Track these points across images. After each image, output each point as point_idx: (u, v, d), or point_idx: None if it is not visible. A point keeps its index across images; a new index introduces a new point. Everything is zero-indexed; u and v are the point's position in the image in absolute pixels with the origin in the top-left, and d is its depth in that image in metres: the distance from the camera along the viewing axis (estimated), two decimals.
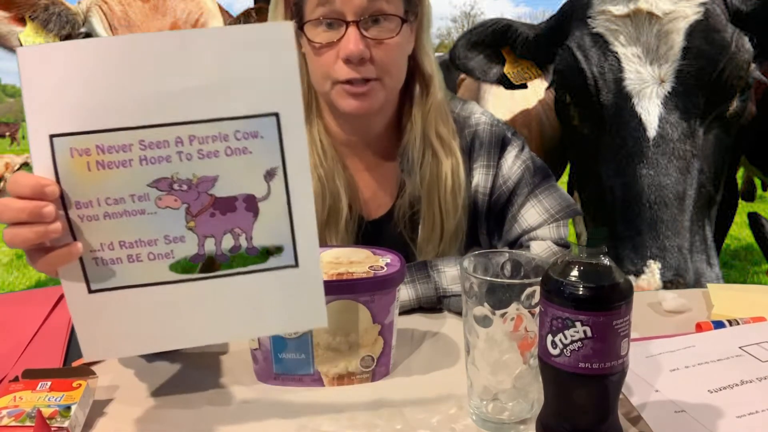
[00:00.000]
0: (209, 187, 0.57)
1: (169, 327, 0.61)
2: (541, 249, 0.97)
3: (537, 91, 1.87)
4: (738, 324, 0.79)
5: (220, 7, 1.59)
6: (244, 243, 0.58)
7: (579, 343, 0.52)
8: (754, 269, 3.79)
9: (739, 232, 4.30)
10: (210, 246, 0.58)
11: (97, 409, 0.67)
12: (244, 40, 0.55)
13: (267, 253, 0.59)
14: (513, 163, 1.02)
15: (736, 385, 0.63)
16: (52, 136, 0.55)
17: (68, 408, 0.62)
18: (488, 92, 1.89)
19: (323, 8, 0.88)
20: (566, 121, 1.40)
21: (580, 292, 0.52)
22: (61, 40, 1.38)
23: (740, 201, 2.63)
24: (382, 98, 0.94)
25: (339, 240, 0.99)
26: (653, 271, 1.10)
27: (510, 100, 1.89)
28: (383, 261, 0.74)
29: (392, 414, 0.65)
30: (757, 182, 3.65)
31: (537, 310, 0.57)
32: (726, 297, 0.91)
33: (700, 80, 1.20)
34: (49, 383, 0.65)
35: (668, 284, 1.09)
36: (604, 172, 1.26)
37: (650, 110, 1.21)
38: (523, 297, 0.58)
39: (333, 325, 0.69)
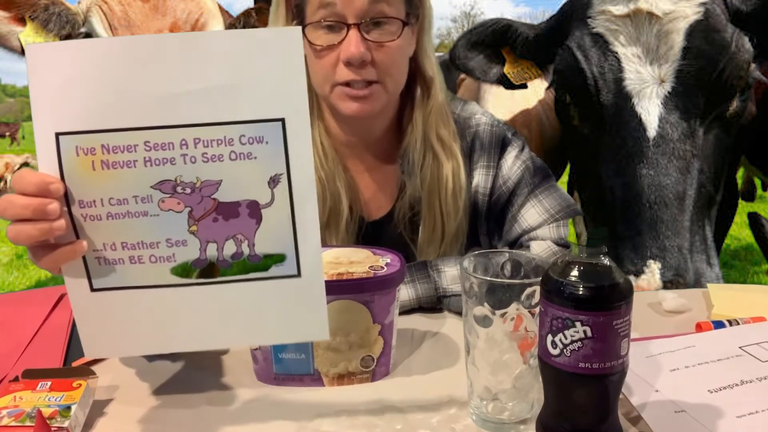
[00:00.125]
0: (213, 192, 0.57)
1: (169, 330, 0.61)
2: (541, 249, 0.97)
3: (537, 91, 1.87)
4: (738, 324, 0.79)
5: (220, 7, 1.59)
6: (246, 250, 0.58)
7: (579, 343, 0.52)
8: (754, 269, 3.79)
9: (739, 232, 4.30)
10: (212, 251, 0.58)
11: (97, 409, 0.67)
12: (252, 44, 0.55)
13: (269, 261, 0.58)
14: (513, 163, 1.02)
15: (736, 385, 0.63)
16: (58, 134, 0.55)
17: (68, 408, 0.62)
18: (488, 92, 1.89)
19: (324, 11, 0.88)
20: (566, 121, 1.41)
21: (580, 292, 0.52)
22: (61, 40, 1.38)
23: (740, 201, 2.63)
24: (382, 101, 0.94)
25: (339, 241, 0.99)
26: (653, 271, 1.10)
27: (510, 100, 1.89)
28: (383, 261, 0.74)
29: (392, 414, 0.65)
30: (757, 182, 3.65)
31: (537, 310, 0.57)
32: (726, 297, 0.91)
33: (700, 80, 1.20)
34: (49, 383, 0.65)
35: (668, 284, 1.09)
36: (604, 172, 1.26)
37: (650, 110, 1.21)
38: (523, 297, 0.58)
39: (333, 325, 0.68)
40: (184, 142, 0.55)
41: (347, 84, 0.90)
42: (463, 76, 2.08)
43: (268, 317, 0.60)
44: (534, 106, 1.95)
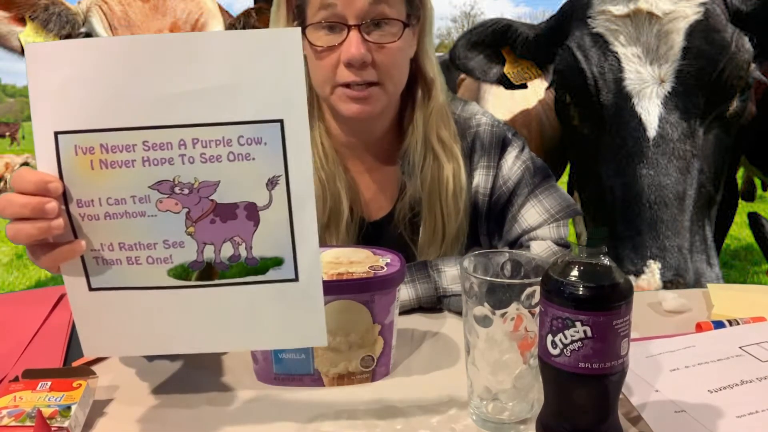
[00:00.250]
0: (210, 193, 0.56)
1: (166, 331, 0.61)
2: (541, 249, 0.97)
3: (537, 91, 1.87)
4: (738, 324, 0.79)
5: (220, 7, 1.59)
6: (243, 253, 0.58)
7: (579, 343, 0.52)
8: (754, 269, 3.79)
9: (739, 232, 4.30)
10: (209, 253, 0.58)
11: (97, 409, 0.67)
12: (251, 45, 0.55)
13: (266, 264, 0.58)
14: (513, 163, 1.02)
15: (736, 385, 0.63)
16: (57, 133, 0.55)
17: (68, 408, 0.62)
18: (488, 92, 1.89)
19: (325, 12, 0.88)
20: (566, 121, 1.41)
21: (580, 292, 0.52)
22: (61, 39, 1.38)
23: (740, 201, 2.63)
24: (383, 102, 0.94)
25: (339, 242, 0.99)
26: (653, 271, 1.10)
27: (510, 100, 1.89)
28: (383, 261, 0.74)
29: (392, 414, 0.65)
30: (757, 182, 3.65)
31: (537, 310, 0.57)
32: (726, 297, 0.91)
33: (700, 80, 1.20)
34: (49, 383, 0.65)
35: (668, 284, 1.09)
36: (604, 172, 1.26)
37: (650, 110, 1.21)
38: (523, 297, 0.58)
39: (333, 325, 0.69)
40: (182, 143, 0.55)
41: (347, 85, 0.90)
42: (463, 76, 2.08)
43: (265, 322, 0.60)
44: (534, 106, 1.95)
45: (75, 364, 0.75)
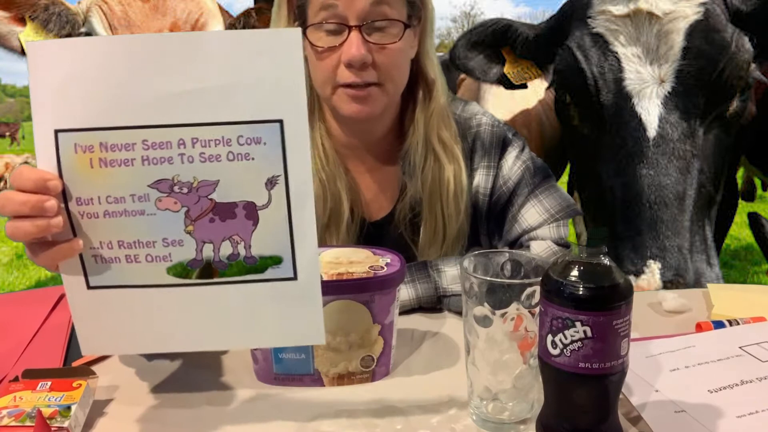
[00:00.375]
0: (209, 192, 0.56)
1: (165, 330, 0.61)
2: (541, 249, 0.97)
3: (537, 91, 1.87)
4: (738, 324, 0.79)
5: (220, 7, 1.59)
6: (242, 251, 0.58)
7: (579, 343, 0.52)
8: (754, 269, 3.79)
9: (739, 232, 4.30)
10: (208, 252, 0.58)
11: (97, 409, 0.67)
12: (252, 45, 0.55)
13: (265, 263, 0.58)
14: (513, 163, 1.02)
15: (736, 385, 0.63)
16: (57, 131, 0.55)
17: (68, 408, 0.62)
18: (488, 92, 1.89)
19: (326, 12, 0.88)
20: (566, 121, 1.41)
21: (580, 292, 0.52)
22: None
23: (740, 201, 2.63)
24: (383, 103, 0.94)
25: (340, 242, 0.99)
26: (653, 271, 1.10)
27: (510, 100, 1.89)
28: (383, 261, 0.74)
29: (392, 414, 0.65)
30: (757, 182, 3.65)
31: (537, 310, 0.57)
32: (726, 297, 0.91)
33: (700, 80, 1.20)
34: (49, 383, 0.65)
35: (668, 284, 1.09)
36: (604, 172, 1.26)
37: (650, 110, 1.21)
38: (523, 297, 0.58)
39: (333, 325, 0.69)
40: (182, 142, 0.55)
41: (348, 85, 0.90)
42: (463, 76, 2.08)
43: (263, 320, 0.60)
44: (534, 106, 1.95)
45: (75, 364, 0.75)
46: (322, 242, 0.59)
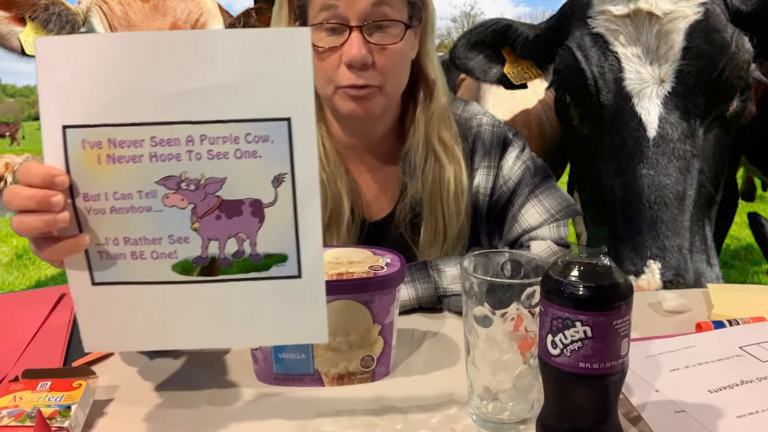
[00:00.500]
0: (216, 189, 0.57)
1: (169, 327, 0.61)
2: (541, 249, 0.97)
3: (537, 91, 1.87)
4: (738, 324, 0.79)
5: (220, 7, 1.59)
6: (247, 249, 0.58)
7: (579, 343, 0.52)
8: (754, 269, 3.79)
9: (739, 232, 4.30)
10: (213, 249, 0.58)
11: (97, 409, 0.67)
12: (261, 43, 0.55)
13: (270, 261, 0.58)
14: (514, 163, 1.02)
15: (736, 385, 0.63)
16: (65, 127, 0.55)
17: (68, 408, 0.62)
18: (488, 92, 1.89)
19: (327, 12, 0.88)
20: (566, 121, 1.41)
21: (580, 292, 0.52)
22: None
23: (740, 201, 2.63)
24: (383, 103, 0.94)
25: (340, 242, 0.99)
26: (653, 271, 1.10)
27: (510, 100, 1.89)
28: (383, 261, 0.74)
29: (392, 414, 0.65)
30: (757, 182, 3.65)
31: (537, 310, 0.57)
32: (726, 297, 0.91)
33: (700, 80, 1.20)
34: (49, 383, 0.65)
35: (668, 284, 1.09)
36: (604, 172, 1.26)
37: (650, 110, 1.21)
38: (523, 297, 0.58)
39: (333, 325, 0.69)
40: (189, 139, 0.55)
41: (348, 87, 0.90)
42: (463, 76, 2.08)
43: (267, 318, 0.60)
44: (534, 106, 1.95)
45: (75, 364, 0.75)
46: (323, 242, 0.59)
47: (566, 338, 0.53)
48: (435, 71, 1.00)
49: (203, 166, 0.56)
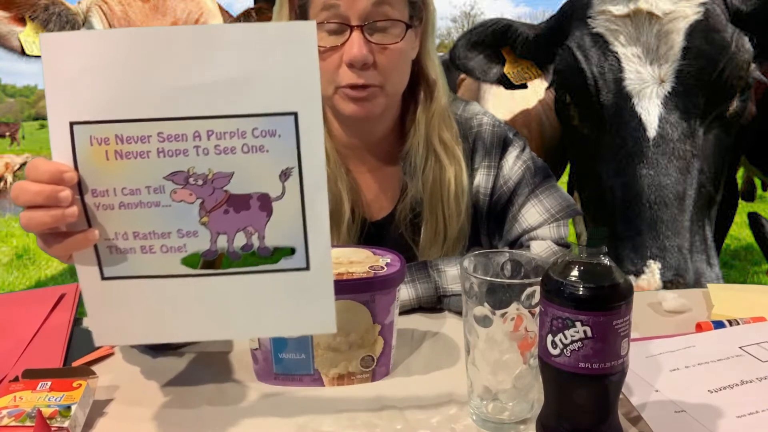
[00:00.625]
0: (224, 184, 0.57)
1: (178, 319, 0.61)
2: (541, 249, 0.97)
3: (537, 91, 1.87)
4: (738, 324, 0.79)
5: (220, 7, 1.59)
6: (256, 242, 0.58)
7: (579, 343, 0.52)
8: (754, 269, 3.79)
9: (739, 232, 4.29)
10: (222, 243, 0.58)
11: (97, 409, 0.67)
12: (267, 37, 0.55)
13: (278, 254, 0.59)
14: (514, 163, 1.02)
15: (736, 385, 0.64)
16: (72, 124, 0.55)
17: (68, 408, 0.62)
18: (488, 92, 1.89)
19: (328, 12, 0.88)
20: (566, 121, 1.41)
21: (580, 292, 0.52)
22: None
23: (740, 201, 2.63)
24: (383, 103, 0.94)
25: (341, 242, 0.99)
26: (653, 271, 1.10)
27: (510, 100, 1.89)
28: (383, 261, 0.74)
29: (392, 414, 0.65)
30: (757, 182, 3.64)
31: (537, 310, 0.57)
32: (726, 297, 0.91)
33: (700, 80, 1.20)
34: (49, 383, 0.65)
35: (668, 284, 1.09)
36: (604, 172, 1.26)
37: (650, 110, 1.21)
38: (523, 297, 0.58)
39: None
40: (197, 134, 0.55)
41: (349, 86, 0.90)
42: (463, 76, 2.08)
43: (276, 309, 0.61)
44: (534, 106, 1.95)
45: (75, 364, 0.76)
46: None
47: (566, 338, 0.53)
48: (435, 71, 1.00)
49: (211, 161, 0.56)
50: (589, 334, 0.52)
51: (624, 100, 1.23)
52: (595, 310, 0.52)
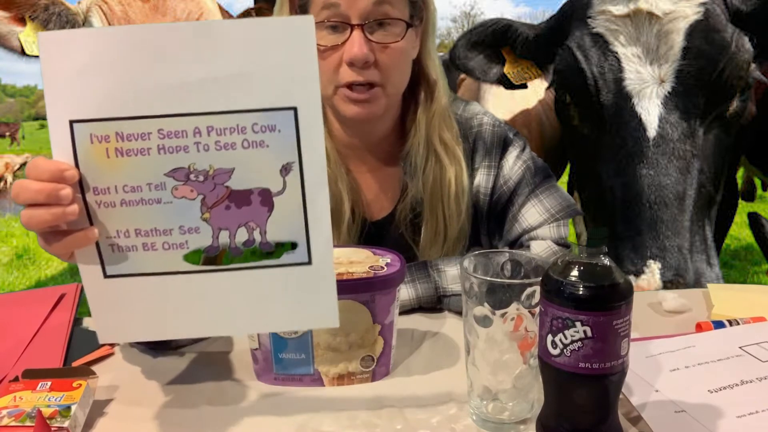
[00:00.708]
0: (225, 179, 0.57)
1: (181, 316, 0.61)
2: (541, 249, 0.97)
3: (537, 91, 1.87)
4: (738, 324, 0.79)
5: (220, 7, 1.59)
6: (257, 237, 0.58)
7: (579, 343, 0.52)
8: (754, 269, 3.79)
9: (739, 232, 4.29)
10: (224, 239, 0.58)
11: (97, 409, 0.67)
12: (264, 33, 0.55)
13: (280, 249, 0.59)
14: (514, 163, 1.02)
15: (736, 385, 0.64)
16: (72, 122, 0.55)
17: (68, 408, 0.62)
18: (488, 92, 1.89)
19: (328, 11, 0.88)
20: (566, 121, 1.41)
21: (580, 292, 0.52)
22: None
23: (740, 201, 2.63)
24: (383, 104, 0.94)
25: (341, 242, 0.99)
26: (653, 271, 1.10)
27: (510, 100, 1.89)
28: (383, 261, 0.74)
29: (392, 414, 0.65)
30: (757, 182, 3.64)
31: (537, 310, 0.57)
32: (726, 297, 0.91)
33: (700, 80, 1.20)
34: (49, 383, 0.65)
35: (668, 284, 1.09)
36: (604, 172, 1.26)
37: (650, 110, 1.21)
38: (523, 297, 0.58)
39: None
40: (197, 130, 0.55)
41: (349, 87, 0.90)
42: (463, 75, 2.08)
43: (279, 304, 0.61)
44: (534, 106, 1.95)
45: (75, 364, 0.76)
46: None
47: (566, 338, 0.53)
48: (436, 71, 1.00)
49: (211, 157, 0.56)
50: (589, 334, 0.52)
51: (624, 100, 1.23)
52: (595, 310, 0.52)
